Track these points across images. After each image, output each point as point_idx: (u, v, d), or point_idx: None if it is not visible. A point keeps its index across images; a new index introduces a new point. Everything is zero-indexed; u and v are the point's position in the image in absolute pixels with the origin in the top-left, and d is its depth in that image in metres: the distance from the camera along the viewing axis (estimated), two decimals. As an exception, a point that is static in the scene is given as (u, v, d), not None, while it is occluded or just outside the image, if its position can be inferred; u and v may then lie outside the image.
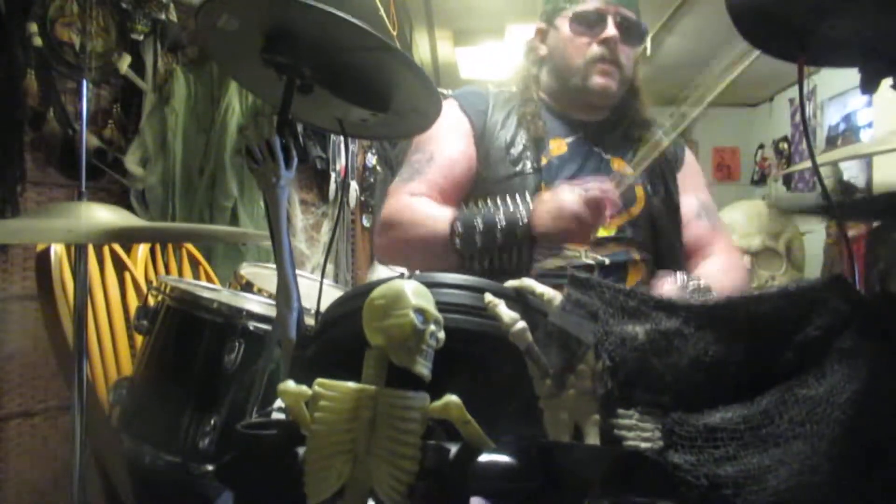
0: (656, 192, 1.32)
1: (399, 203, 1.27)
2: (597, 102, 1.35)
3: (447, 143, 1.31)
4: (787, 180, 5.53)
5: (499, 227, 1.11)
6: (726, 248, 1.38)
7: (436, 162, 1.29)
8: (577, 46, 1.31)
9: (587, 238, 1.13)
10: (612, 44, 1.29)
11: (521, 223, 1.11)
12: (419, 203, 1.25)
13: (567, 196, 1.09)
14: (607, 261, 1.22)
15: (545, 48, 1.38)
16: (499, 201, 1.15)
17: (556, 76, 1.36)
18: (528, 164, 1.27)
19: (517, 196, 1.15)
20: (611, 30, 1.29)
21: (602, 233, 1.24)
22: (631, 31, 1.31)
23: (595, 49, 1.30)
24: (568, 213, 1.08)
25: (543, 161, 1.29)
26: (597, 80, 1.31)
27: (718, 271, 1.29)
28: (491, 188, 1.28)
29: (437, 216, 1.19)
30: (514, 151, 1.29)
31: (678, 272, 1.31)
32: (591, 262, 1.21)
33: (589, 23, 1.30)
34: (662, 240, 1.30)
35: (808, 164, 0.85)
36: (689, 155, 1.44)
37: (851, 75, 0.72)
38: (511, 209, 1.13)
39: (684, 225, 1.36)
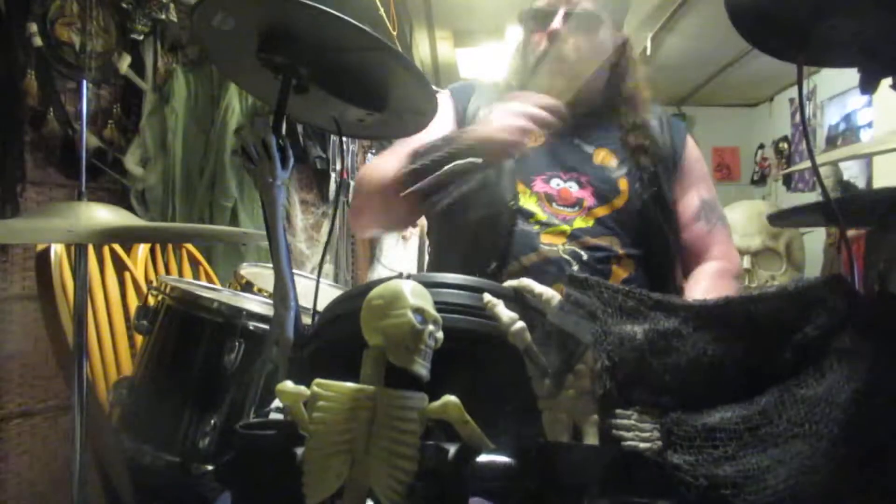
0: (644, 186, 1.28)
1: (363, 168, 1.37)
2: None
3: (433, 129, 1.35)
4: (787, 180, 5.54)
5: (443, 148, 1.14)
6: (721, 254, 1.34)
7: (414, 139, 1.33)
8: (529, 45, 1.32)
9: (514, 146, 1.14)
10: (555, 38, 1.27)
11: (460, 138, 1.15)
12: (377, 160, 1.31)
13: (498, 107, 1.14)
14: (585, 255, 1.20)
15: (517, 54, 1.40)
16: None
17: (520, 77, 1.36)
18: None
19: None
20: (556, 23, 1.27)
21: (579, 224, 1.23)
22: (582, 22, 1.28)
23: (542, 45, 1.29)
24: (494, 119, 1.13)
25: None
26: (543, 81, 1.28)
27: (706, 281, 1.28)
28: None
29: (391, 163, 1.21)
30: None
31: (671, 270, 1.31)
32: (567, 256, 1.20)
33: (539, 18, 1.31)
34: (652, 235, 1.27)
35: (808, 164, 0.85)
36: (690, 146, 1.40)
37: (851, 75, 0.72)
38: (453, 135, 1.17)
39: (683, 227, 1.34)
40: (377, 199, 1.24)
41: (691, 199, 1.35)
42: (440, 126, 1.31)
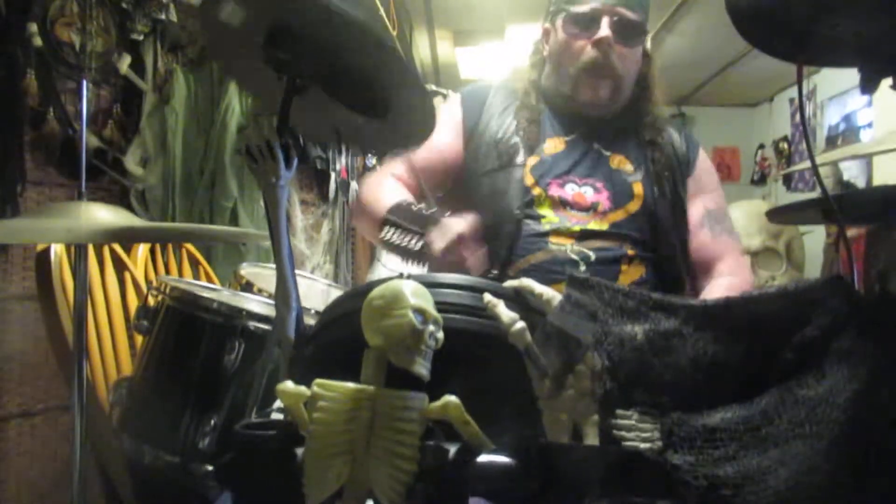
0: (661, 192, 1.30)
1: (375, 176, 1.39)
2: (589, 112, 1.34)
3: (438, 133, 1.33)
4: (787, 180, 5.53)
5: (406, 233, 1.17)
6: (732, 267, 1.34)
7: (423, 149, 1.35)
8: (570, 49, 1.30)
9: (451, 268, 1.14)
10: (605, 46, 1.26)
11: (418, 237, 1.15)
12: (384, 182, 1.33)
13: (443, 230, 1.13)
14: (593, 256, 1.21)
15: (548, 49, 1.38)
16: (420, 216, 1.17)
17: (554, 80, 1.36)
18: (516, 160, 1.29)
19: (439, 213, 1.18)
20: (604, 31, 1.25)
21: (593, 226, 1.24)
22: (628, 31, 1.28)
23: (588, 53, 1.28)
24: (430, 243, 1.13)
25: (535, 159, 1.29)
26: (587, 91, 1.30)
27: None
28: (477, 180, 1.31)
29: (383, 200, 1.24)
30: (504, 147, 1.31)
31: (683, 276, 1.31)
32: (575, 256, 1.21)
33: (583, 24, 1.28)
34: (664, 240, 1.28)
35: (808, 164, 0.85)
36: (702, 158, 1.40)
37: (851, 75, 0.72)
38: (424, 223, 1.16)
39: (690, 237, 1.34)
40: (363, 221, 1.35)
41: (698, 210, 1.36)
42: (445, 135, 1.35)
